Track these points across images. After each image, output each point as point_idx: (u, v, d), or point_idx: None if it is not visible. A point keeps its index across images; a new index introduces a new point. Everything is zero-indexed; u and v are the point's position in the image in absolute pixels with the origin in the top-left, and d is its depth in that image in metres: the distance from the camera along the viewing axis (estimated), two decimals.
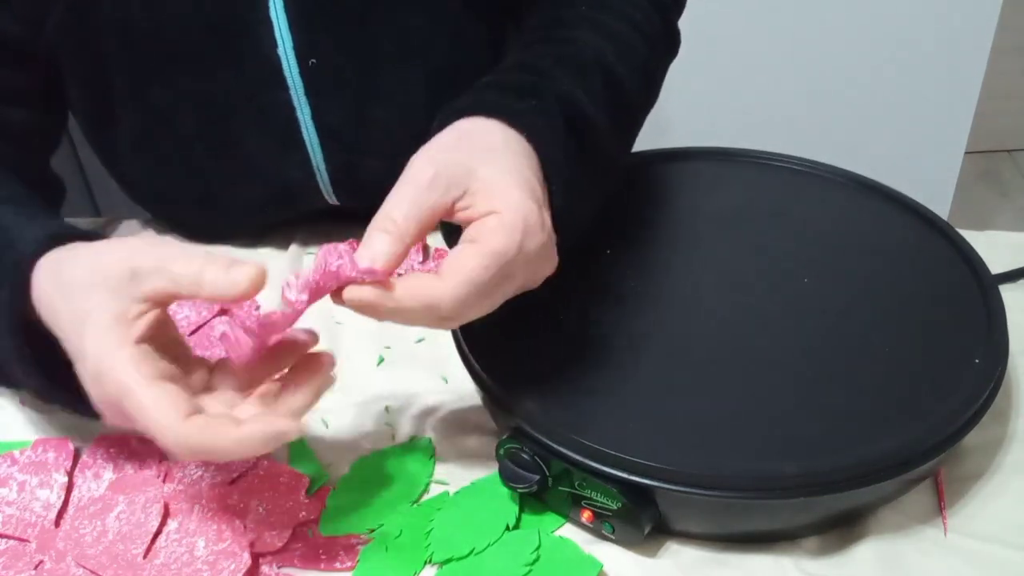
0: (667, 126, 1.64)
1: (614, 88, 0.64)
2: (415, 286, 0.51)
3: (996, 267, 0.67)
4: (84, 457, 0.61)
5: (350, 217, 0.70)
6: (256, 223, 0.82)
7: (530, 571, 0.54)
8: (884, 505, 0.57)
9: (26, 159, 0.75)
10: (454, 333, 0.62)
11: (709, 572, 0.54)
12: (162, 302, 0.52)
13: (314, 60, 0.72)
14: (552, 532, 0.57)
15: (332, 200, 0.80)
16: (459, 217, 0.53)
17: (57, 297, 0.53)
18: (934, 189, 1.69)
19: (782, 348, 0.60)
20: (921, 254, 0.67)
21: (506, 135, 0.56)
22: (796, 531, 0.56)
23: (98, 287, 0.51)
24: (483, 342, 0.61)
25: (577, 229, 0.59)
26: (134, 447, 0.62)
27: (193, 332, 0.69)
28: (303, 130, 0.75)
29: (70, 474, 0.60)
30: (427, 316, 0.51)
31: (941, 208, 1.71)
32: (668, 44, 0.76)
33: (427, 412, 0.64)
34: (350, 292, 0.51)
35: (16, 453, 0.61)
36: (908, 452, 0.53)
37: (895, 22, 1.54)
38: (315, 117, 0.74)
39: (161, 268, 0.50)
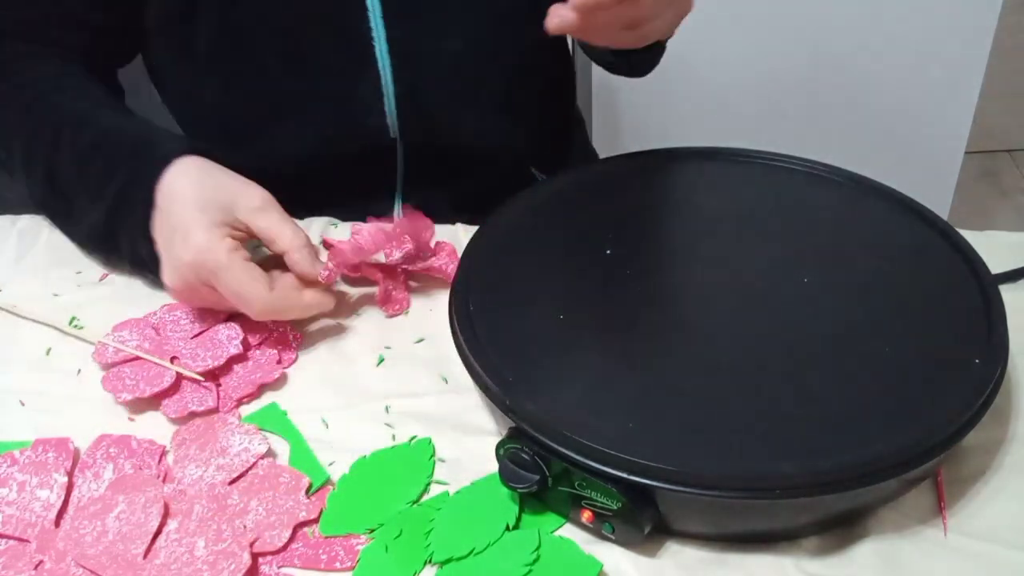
0: (667, 126, 1.64)
1: None
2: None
3: (996, 267, 0.67)
4: (84, 457, 0.61)
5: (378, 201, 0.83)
6: (308, 163, 0.86)
7: (530, 571, 0.54)
8: (884, 505, 0.57)
9: (99, 56, 0.81)
10: (454, 333, 0.62)
11: (709, 572, 0.54)
12: (242, 236, 0.68)
13: None
14: (552, 532, 0.57)
15: (393, 131, 0.85)
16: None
17: (179, 195, 0.67)
18: (934, 189, 1.69)
19: (782, 348, 0.60)
20: (921, 254, 0.67)
21: None
22: (796, 531, 0.56)
23: (211, 202, 0.66)
24: (483, 342, 0.61)
25: None
26: (134, 447, 0.62)
27: (196, 336, 0.69)
28: (377, 51, 0.80)
29: (70, 474, 0.60)
30: None
31: (941, 208, 1.71)
32: None
33: (427, 412, 0.64)
34: None
35: (16, 453, 0.61)
36: (908, 452, 0.53)
37: (895, 22, 1.54)
38: (389, 40, 0.80)
39: (254, 214, 0.67)
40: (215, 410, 0.64)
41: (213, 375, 0.66)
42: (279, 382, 0.67)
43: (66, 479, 0.60)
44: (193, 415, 0.64)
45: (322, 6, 0.79)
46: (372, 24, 0.80)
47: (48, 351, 0.70)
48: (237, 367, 0.67)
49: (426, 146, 0.86)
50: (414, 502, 0.58)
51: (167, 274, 0.67)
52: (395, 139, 0.86)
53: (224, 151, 0.86)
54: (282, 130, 0.85)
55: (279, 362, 0.68)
